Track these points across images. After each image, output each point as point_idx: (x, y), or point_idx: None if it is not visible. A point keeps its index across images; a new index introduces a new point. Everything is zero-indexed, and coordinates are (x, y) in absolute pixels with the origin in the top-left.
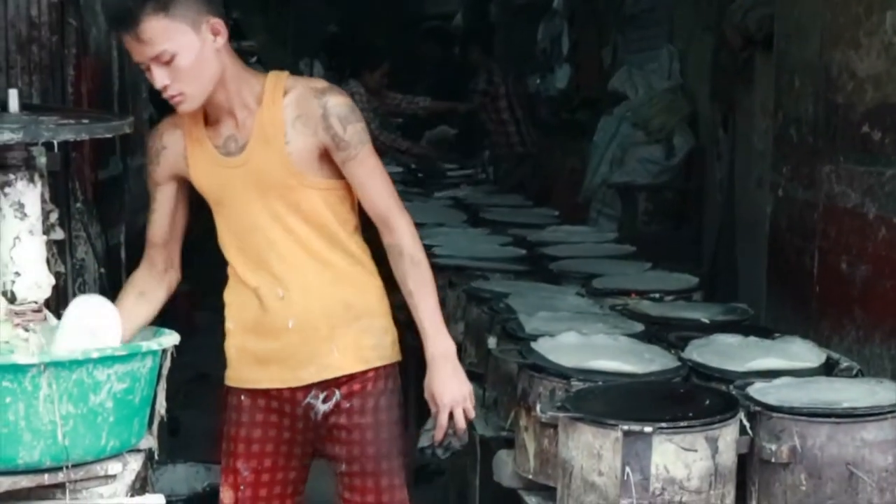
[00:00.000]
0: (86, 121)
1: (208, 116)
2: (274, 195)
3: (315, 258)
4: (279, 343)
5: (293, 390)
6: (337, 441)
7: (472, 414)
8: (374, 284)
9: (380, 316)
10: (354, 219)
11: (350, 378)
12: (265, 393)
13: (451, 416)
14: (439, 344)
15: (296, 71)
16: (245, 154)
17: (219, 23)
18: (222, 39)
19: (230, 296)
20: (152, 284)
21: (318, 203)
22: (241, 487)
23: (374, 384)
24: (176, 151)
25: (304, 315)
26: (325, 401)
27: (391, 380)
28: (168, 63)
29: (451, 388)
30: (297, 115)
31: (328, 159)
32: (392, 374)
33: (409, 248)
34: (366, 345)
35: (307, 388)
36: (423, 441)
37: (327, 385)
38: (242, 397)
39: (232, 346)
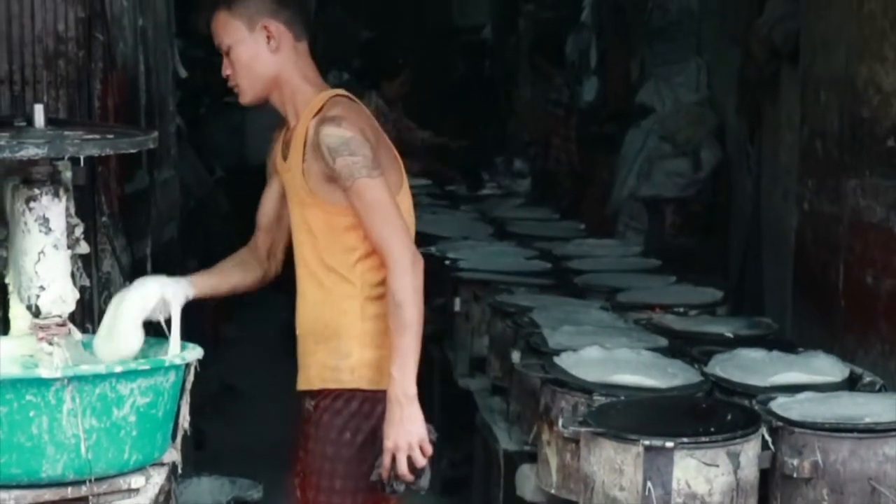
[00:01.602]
0: (111, 136)
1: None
2: (298, 206)
3: (312, 275)
4: (300, 344)
5: (302, 394)
6: (302, 448)
7: (419, 462)
8: (356, 309)
9: (347, 339)
10: (364, 247)
11: (318, 393)
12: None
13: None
14: (397, 387)
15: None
16: (287, 162)
17: (274, 27)
18: (275, 43)
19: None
20: (251, 262)
21: (322, 224)
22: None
23: (330, 403)
24: (275, 146)
25: (302, 325)
26: (309, 408)
27: (349, 404)
28: (227, 54)
29: (396, 432)
30: (310, 137)
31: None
32: (351, 399)
33: (393, 288)
34: (328, 365)
35: (303, 394)
36: (373, 476)
37: (311, 395)
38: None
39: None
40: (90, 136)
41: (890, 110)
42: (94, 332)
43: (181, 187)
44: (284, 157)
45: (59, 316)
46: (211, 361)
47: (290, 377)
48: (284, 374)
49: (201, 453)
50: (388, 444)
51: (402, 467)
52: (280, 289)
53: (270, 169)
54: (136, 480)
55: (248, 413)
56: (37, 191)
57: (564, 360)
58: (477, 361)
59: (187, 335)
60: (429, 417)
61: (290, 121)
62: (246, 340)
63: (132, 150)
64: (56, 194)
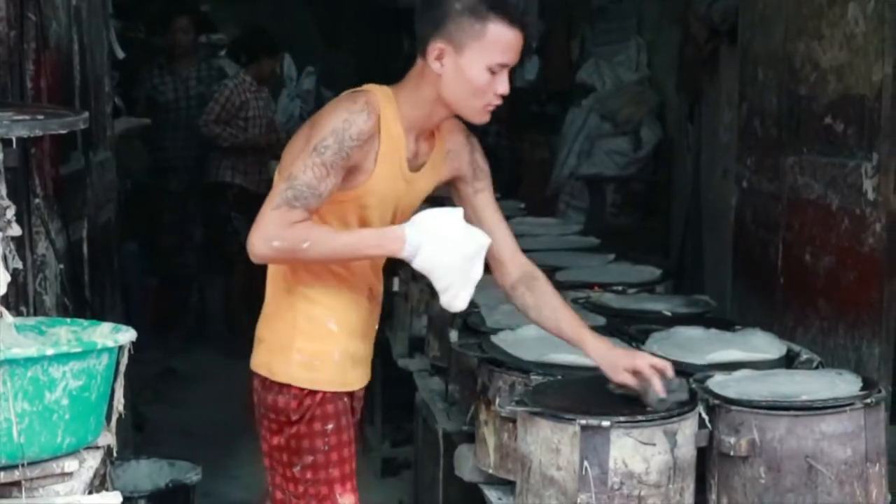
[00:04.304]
0: (41, 117)
1: (411, 128)
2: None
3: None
4: (369, 344)
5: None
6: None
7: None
8: None
9: None
10: None
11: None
12: (351, 394)
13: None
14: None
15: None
16: (419, 174)
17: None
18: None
19: (334, 300)
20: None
21: None
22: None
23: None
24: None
25: (374, 328)
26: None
27: None
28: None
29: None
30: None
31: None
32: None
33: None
34: None
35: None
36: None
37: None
38: (345, 400)
39: (336, 349)
40: (20, 117)
41: (827, 87)
42: (28, 314)
43: (119, 168)
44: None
45: None
46: (152, 345)
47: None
48: (224, 356)
49: (141, 436)
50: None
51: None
52: (218, 271)
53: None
54: (70, 464)
55: (189, 396)
56: None
57: (502, 340)
58: (416, 341)
59: (127, 318)
60: (368, 398)
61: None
62: (186, 325)
63: (62, 131)
64: None
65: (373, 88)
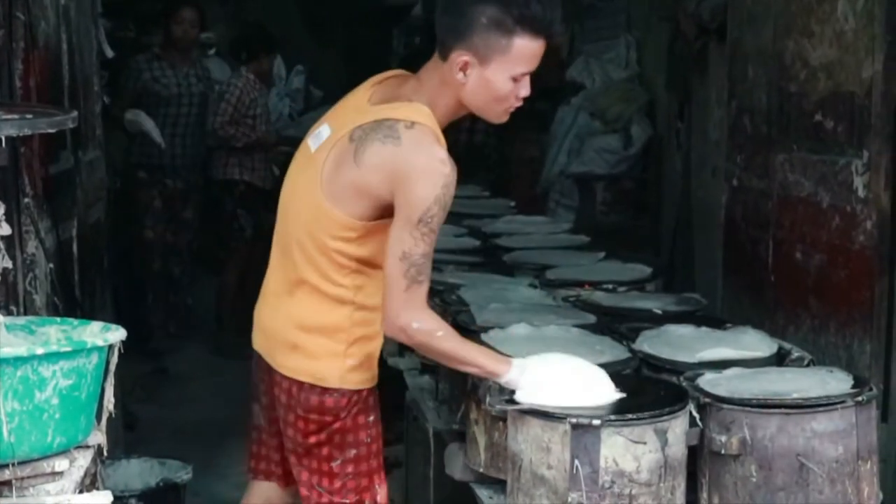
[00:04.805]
0: (29, 116)
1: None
2: None
3: None
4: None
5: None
6: None
7: None
8: None
9: None
10: None
11: None
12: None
13: None
14: None
15: None
16: None
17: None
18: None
19: (377, 300)
20: None
21: None
22: None
23: None
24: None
25: None
26: None
27: None
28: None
29: None
30: None
31: None
32: None
33: None
34: None
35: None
36: None
37: None
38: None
39: (379, 348)
40: (8, 116)
41: (817, 85)
42: (18, 314)
43: (108, 167)
44: None
45: None
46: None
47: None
48: (215, 355)
49: (131, 435)
50: None
51: None
52: (209, 271)
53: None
54: (60, 463)
55: (180, 395)
56: None
57: (492, 338)
58: None
59: (117, 317)
60: None
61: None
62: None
63: (51, 130)
64: None
65: (421, 113)
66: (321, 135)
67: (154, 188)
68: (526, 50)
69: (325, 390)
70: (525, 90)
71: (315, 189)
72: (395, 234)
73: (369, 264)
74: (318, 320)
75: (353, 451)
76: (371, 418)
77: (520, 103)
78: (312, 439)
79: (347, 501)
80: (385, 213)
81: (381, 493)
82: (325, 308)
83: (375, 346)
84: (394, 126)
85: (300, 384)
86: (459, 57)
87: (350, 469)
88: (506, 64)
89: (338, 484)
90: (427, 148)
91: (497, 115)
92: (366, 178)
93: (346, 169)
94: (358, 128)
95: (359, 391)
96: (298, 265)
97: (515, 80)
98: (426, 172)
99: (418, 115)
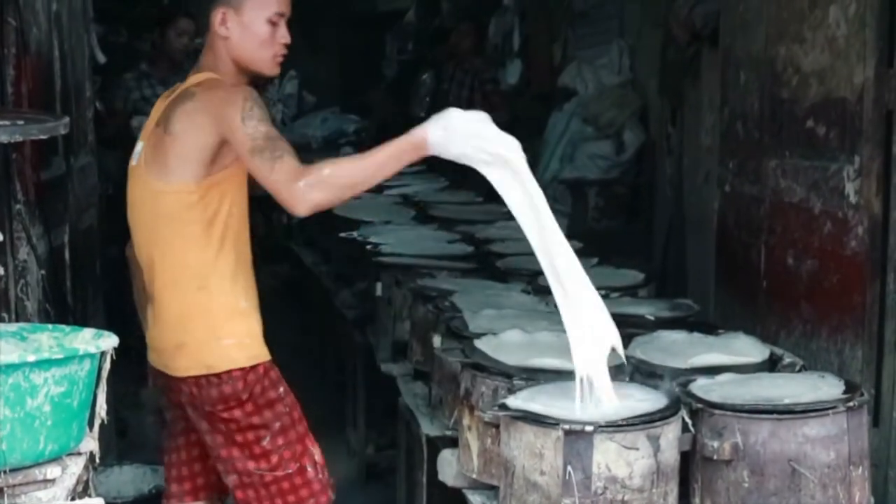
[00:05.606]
0: (21, 122)
1: None
2: None
3: None
4: None
5: None
6: None
7: None
8: None
9: None
10: None
11: None
12: None
13: None
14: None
15: None
16: None
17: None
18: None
19: (247, 277)
20: None
21: None
22: None
23: None
24: None
25: None
26: None
27: None
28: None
29: None
30: None
31: None
32: None
33: None
34: None
35: None
36: None
37: None
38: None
39: (255, 322)
40: (0, 122)
41: (809, 91)
42: (9, 321)
43: (101, 173)
44: None
45: None
46: (135, 351)
47: None
48: None
49: (124, 442)
50: None
51: None
52: None
53: None
54: (52, 471)
55: None
56: None
57: (485, 344)
58: (399, 346)
59: (108, 323)
60: (352, 403)
61: None
62: None
63: (42, 136)
64: None
65: (206, 76)
66: (136, 149)
67: None
68: None
69: (219, 380)
70: (284, 35)
71: (146, 186)
72: (236, 140)
73: (224, 226)
74: (179, 312)
75: (278, 424)
76: (281, 390)
77: (284, 50)
78: (232, 427)
79: (290, 470)
80: (212, 166)
81: (317, 452)
82: (188, 298)
83: (253, 323)
84: (185, 92)
85: (197, 381)
86: (217, 12)
87: (280, 441)
88: (257, 7)
89: (275, 459)
90: (218, 83)
91: (268, 64)
92: (182, 138)
93: (163, 146)
94: (161, 117)
95: (253, 369)
96: (156, 267)
97: (273, 22)
98: (228, 93)
99: (203, 77)
